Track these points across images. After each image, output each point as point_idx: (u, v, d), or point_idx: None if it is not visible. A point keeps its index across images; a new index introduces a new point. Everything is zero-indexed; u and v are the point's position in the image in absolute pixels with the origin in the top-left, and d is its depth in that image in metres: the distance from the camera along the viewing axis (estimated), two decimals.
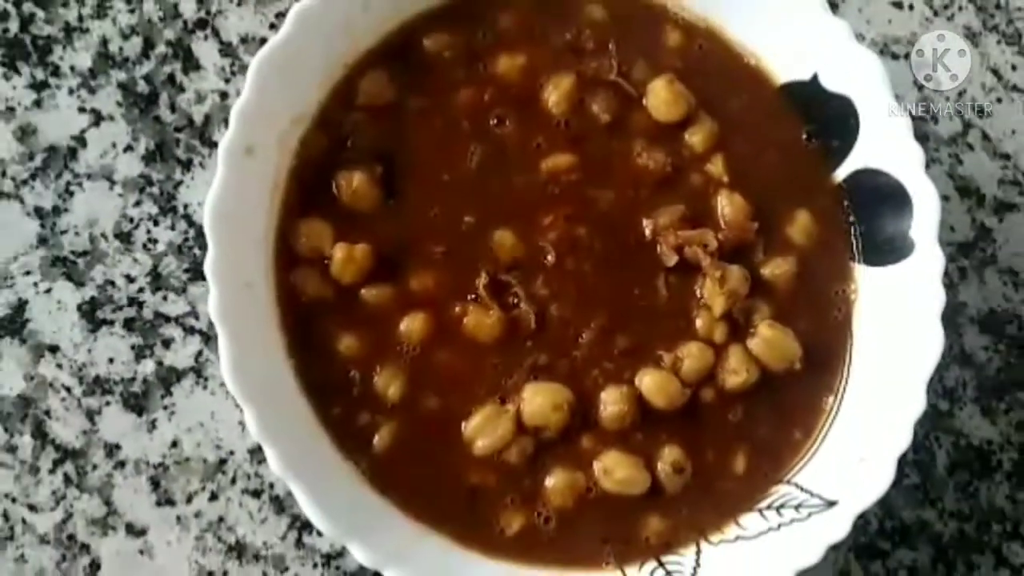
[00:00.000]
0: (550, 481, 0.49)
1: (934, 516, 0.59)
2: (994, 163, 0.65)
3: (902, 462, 0.56)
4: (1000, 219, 0.64)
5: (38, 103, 0.58)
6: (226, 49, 0.60)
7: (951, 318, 0.62)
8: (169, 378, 0.55)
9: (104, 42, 0.60)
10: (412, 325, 0.50)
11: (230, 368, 0.45)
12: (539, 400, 0.49)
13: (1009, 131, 0.66)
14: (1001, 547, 0.59)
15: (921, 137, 0.64)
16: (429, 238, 0.51)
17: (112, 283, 0.56)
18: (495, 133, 0.53)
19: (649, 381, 0.50)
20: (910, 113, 0.60)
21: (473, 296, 0.51)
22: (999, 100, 0.67)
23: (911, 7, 0.67)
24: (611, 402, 0.50)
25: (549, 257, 0.52)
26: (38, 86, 0.58)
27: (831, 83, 0.54)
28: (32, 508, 0.52)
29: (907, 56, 0.66)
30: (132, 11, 0.60)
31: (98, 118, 0.58)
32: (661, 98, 0.54)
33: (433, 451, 0.49)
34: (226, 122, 0.48)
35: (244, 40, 0.61)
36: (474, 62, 0.54)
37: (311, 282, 0.50)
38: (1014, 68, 0.67)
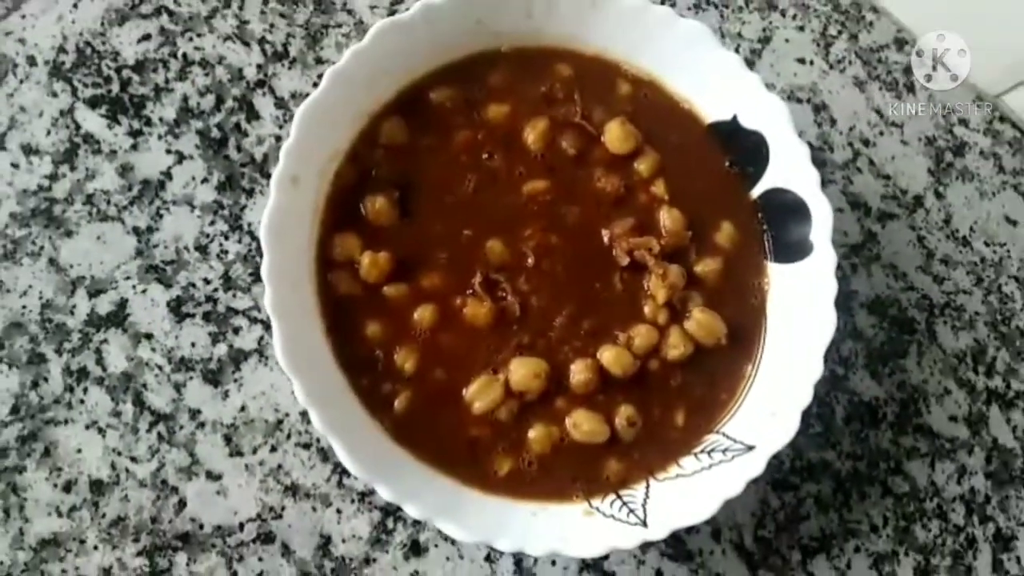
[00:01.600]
0: (532, 433, 0.49)
1: (834, 457, 0.58)
2: (878, 182, 0.65)
3: (807, 415, 0.56)
4: (883, 226, 0.64)
5: (135, 146, 0.58)
6: (279, 102, 0.60)
7: (845, 303, 0.61)
8: (238, 357, 0.55)
9: (185, 99, 0.59)
10: (423, 314, 0.50)
11: (282, 349, 0.45)
12: (523, 371, 0.49)
13: (889, 157, 0.66)
14: (886, 480, 0.59)
15: (820, 163, 0.64)
16: (436, 247, 0.51)
17: (193, 285, 0.55)
18: (487, 165, 0.53)
19: (608, 355, 0.50)
20: (810, 144, 0.60)
21: (471, 291, 0.50)
22: (881, 133, 0.66)
23: (811, 62, 0.67)
24: (578, 372, 0.50)
25: (529, 260, 0.51)
26: (134, 133, 0.58)
27: (747, 122, 0.54)
28: (133, 459, 0.52)
29: (809, 100, 0.66)
30: (207, 75, 0.60)
31: (181, 157, 0.58)
32: (615, 135, 0.53)
33: (440, 411, 0.49)
34: (278, 159, 0.48)
35: (293, 95, 0.60)
36: (470, 110, 0.54)
37: (344, 282, 0.50)
38: (892, 108, 0.67)
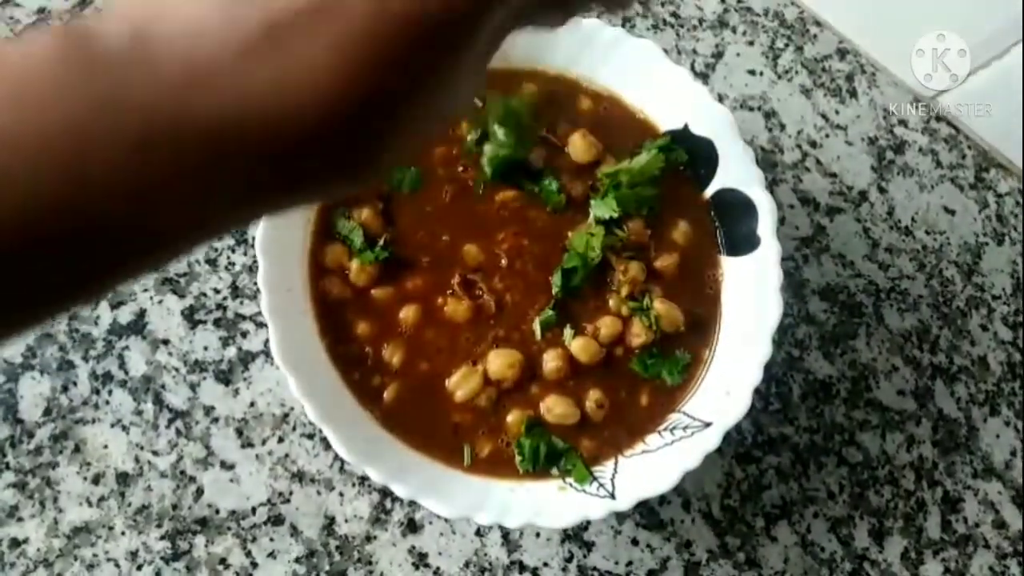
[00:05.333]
0: (510, 417, 0.49)
1: (792, 431, 0.59)
2: (825, 180, 0.65)
3: (767, 393, 0.57)
4: (831, 219, 0.64)
5: None
6: None
7: (798, 291, 0.62)
8: (246, 358, 0.55)
9: None
10: (408, 313, 0.50)
11: (278, 349, 0.45)
12: (499, 361, 0.49)
13: (835, 157, 0.66)
14: (841, 451, 0.59)
15: (771, 164, 0.64)
16: (418, 252, 0.51)
17: (204, 294, 0.56)
18: (461, 177, 0.53)
19: (576, 344, 0.50)
20: (762, 148, 0.61)
21: (450, 291, 0.51)
22: (827, 135, 0.66)
23: (761, 73, 0.67)
24: (550, 360, 0.50)
25: (503, 261, 0.52)
26: None
27: (698, 129, 0.54)
28: (155, 453, 0.53)
29: (760, 108, 0.66)
30: None
31: None
32: (578, 146, 0.54)
33: (426, 401, 0.49)
34: None
35: None
36: (445, 127, 0.54)
37: (335, 286, 0.50)
38: (836, 112, 0.67)
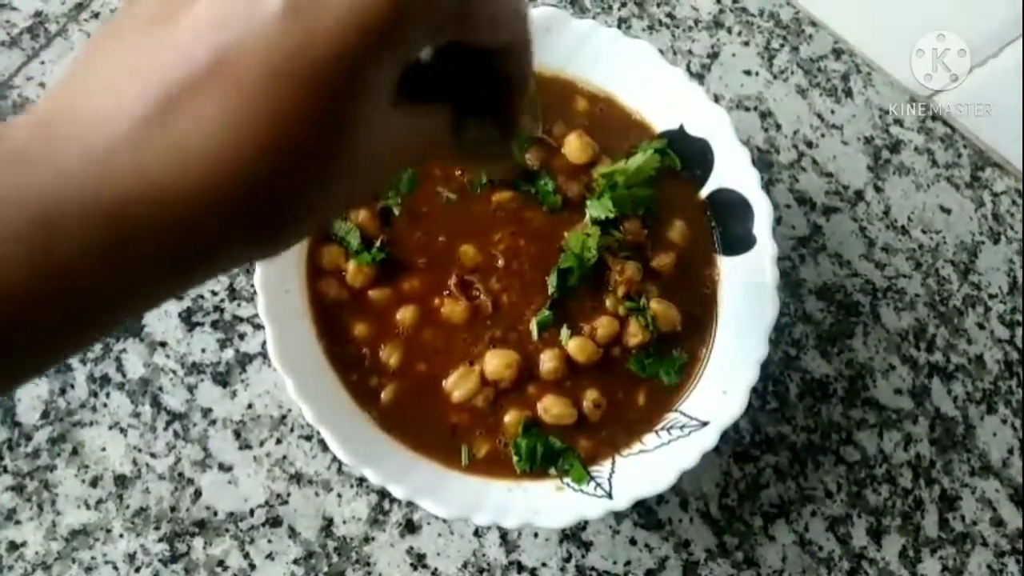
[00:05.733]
0: (507, 418, 0.49)
1: (789, 430, 0.59)
2: (821, 180, 0.65)
3: (764, 393, 0.57)
4: (827, 219, 0.64)
5: None
6: None
7: (795, 290, 0.62)
8: (244, 360, 0.55)
9: None
10: (405, 314, 0.50)
11: (275, 351, 0.45)
12: (496, 362, 0.49)
13: (831, 157, 0.66)
14: (839, 450, 0.59)
15: (768, 164, 0.64)
16: (415, 253, 0.51)
17: (202, 296, 0.56)
18: (458, 178, 0.53)
19: (573, 344, 0.50)
20: (758, 148, 0.61)
21: (447, 291, 0.51)
22: (823, 135, 0.66)
23: (757, 73, 0.67)
24: (547, 360, 0.50)
25: (500, 262, 0.52)
26: None
27: (693, 130, 0.54)
28: (152, 455, 0.53)
29: (756, 108, 0.66)
30: None
31: None
32: (574, 147, 0.54)
33: (423, 401, 0.49)
34: None
35: None
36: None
37: (332, 287, 0.50)
38: (832, 112, 0.67)
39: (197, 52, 0.19)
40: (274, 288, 0.47)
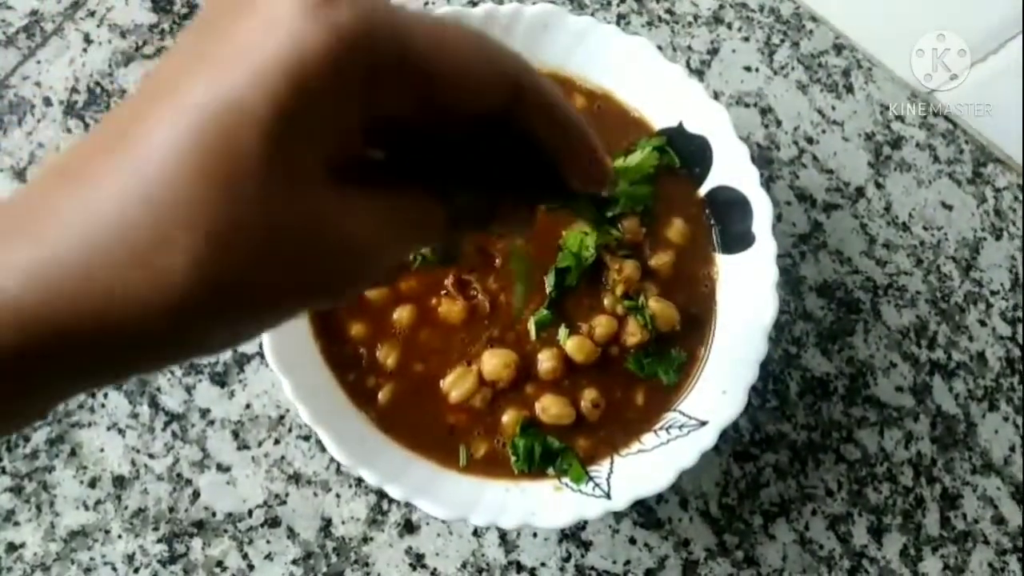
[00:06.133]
0: (505, 418, 0.49)
1: (790, 428, 0.58)
2: (822, 176, 0.65)
3: (764, 391, 0.57)
4: (828, 216, 0.64)
5: None
6: None
7: (795, 288, 0.61)
8: (241, 360, 0.55)
9: None
10: (402, 314, 0.50)
11: (271, 352, 0.45)
12: (494, 361, 0.49)
13: (832, 153, 0.65)
14: (839, 448, 0.59)
15: (768, 161, 0.64)
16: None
17: None
18: None
19: (571, 344, 0.50)
20: (758, 144, 0.60)
21: (444, 291, 0.51)
22: (823, 131, 0.66)
23: (757, 70, 0.67)
24: (545, 360, 0.50)
25: (497, 261, 0.51)
26: None
27: (692, 127, 0.54)
28: (151, 456, 0.53)
29: (756, 104, 0.65)
30: None
31: None
32: None
33: (421, 401, 0.49)
34: None
35: None
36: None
37: None
38: (833, 108, 0.67)
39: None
40: None
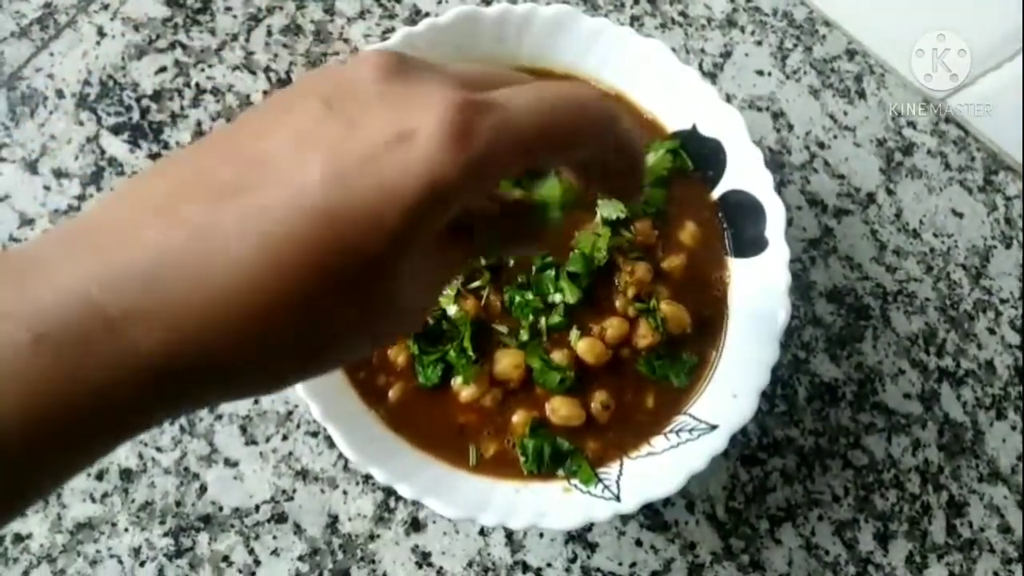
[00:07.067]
0: (515, 418, 0.49)
1: (797, 433, 0.58)
2: (833, 182, 0.64)
3: (772, 396, 0.57)
4: (839, 221, 0.64)
5: None
6: None
7: (805, 293, 0.61)
8: None
9: (199, 124, 0.60)
10: None
11: None
12: (505, 362, 0.49)
13: (843, 158, 0.65)
14: (846, 454, 0.58)
15: (779, 165, 0.64)
16: None
17: None
18: None
19: (583, 345, 0.50)
20: (769, 149, 0.60)
21: (457, 290, 0.50)
22: (835, 137, 0.66)
23: (769, 74, 0.66)
24: (556, 361, 0.49)
25: (510, 261, 0.51)
26: (154, 156, 0.59)
27: (706, 130, 0.54)
28: (159, 449, 0.53)
29: (768, 108, 0.65)
30: (218, 101, 0.60)
31: None
32: None
33: (431, 400, 0.49)
34: None
35: None
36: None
37: None
38: (845, 114, 0.66)
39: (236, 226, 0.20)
40: None
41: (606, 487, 0.47)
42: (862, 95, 0.67)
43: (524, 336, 0.50)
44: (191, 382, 0.20)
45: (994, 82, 0.62)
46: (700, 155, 0.54)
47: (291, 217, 0.19)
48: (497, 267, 0.51)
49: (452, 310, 0.49)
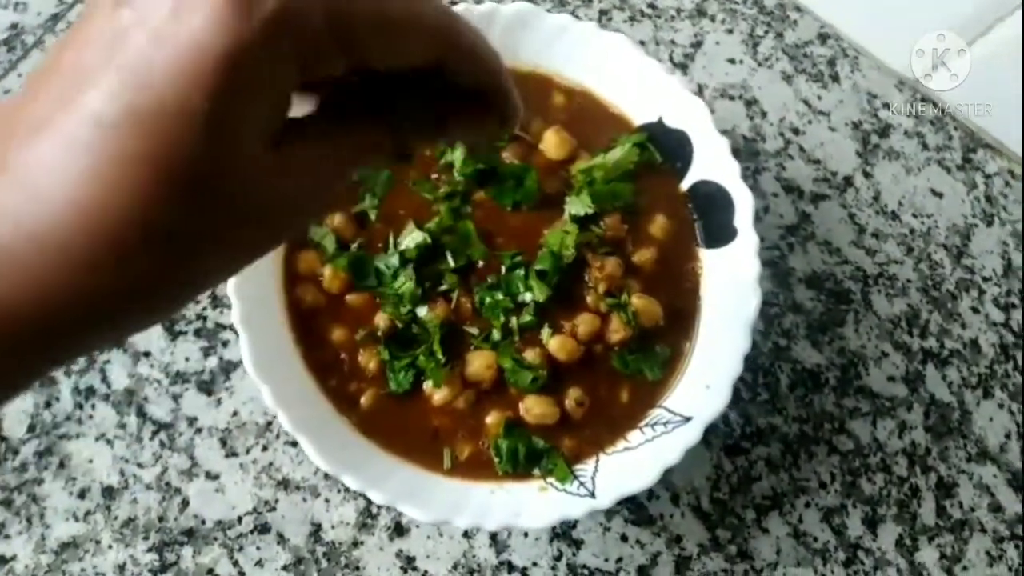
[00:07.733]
0: (489, 419, 0.49)
1: (781, 421, 0.58)
2: (808, 167, 0.64)
3: (753, 385, 0.56)
4: (816, 206, 0.63)
5: None
6: None
7: (784, 279, 0.61)
8: (228, 368, 0.55)
9: None
10: (383, 318, 0.49)
11: (250, 359, 0.45)
12: (477, 363, 0.49)
13: (818, 143, 0.65)
14: (832, 439, 0.58)
15: (754, 153, 0.63)
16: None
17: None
18: (435, 180, 0.53)
19: (554, 343, 0.49)
20: (743, 137, 0.60)
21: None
22: (809, 122, 0.65)
23: (741, 61, 0.66)
24: (529, 360, 0.49)
25: (480, 262, 0.51)
26: None
27: (672, 122, 0.53)
28: (139, 465, 0.53)
29: (741, 97, 0.65)
30: None
31: None
32: (552, 143, 0.53)
33: (404, 405, 0.49)
34: None
35: None
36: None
37: (309, 293, 0.50)
38: (819, 98, 0.66)
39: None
40: (249, 295, 0.47)
41: (582, 484, 0.47)
42: (836, 79, 0.67)
43: (496, 336, 0.49)
44: (61, 333, 0.19)
45: (970, 59, 0.61)
46: (667, 147, 0.54)
47: (95, 140, 0.18)
48: (466, 268, 0.51)
49: (422, 312, 0.49)
